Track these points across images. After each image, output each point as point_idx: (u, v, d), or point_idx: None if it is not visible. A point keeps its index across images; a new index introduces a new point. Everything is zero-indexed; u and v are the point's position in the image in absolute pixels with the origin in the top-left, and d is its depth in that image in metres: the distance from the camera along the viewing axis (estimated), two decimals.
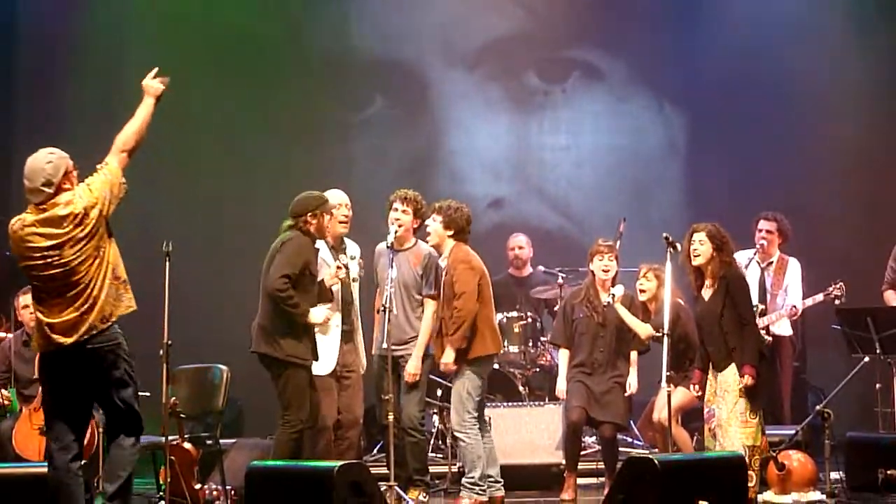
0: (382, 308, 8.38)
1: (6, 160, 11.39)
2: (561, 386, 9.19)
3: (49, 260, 6.60)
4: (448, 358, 8.33)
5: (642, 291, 9.16)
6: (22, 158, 9.83)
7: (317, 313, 8.15)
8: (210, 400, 8.97)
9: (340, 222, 8.54)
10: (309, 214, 8.07)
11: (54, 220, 6.59)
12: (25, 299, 8.78)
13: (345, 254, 8.53)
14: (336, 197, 8.51)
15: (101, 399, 6.82)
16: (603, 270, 9.12)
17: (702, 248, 8.19)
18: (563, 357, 9.23)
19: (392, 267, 8.45)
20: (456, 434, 8.43)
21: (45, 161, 6.63)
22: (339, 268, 8.26)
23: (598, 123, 12.54)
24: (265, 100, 11.98)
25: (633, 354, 9.06)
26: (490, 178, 12.36)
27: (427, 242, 8.65)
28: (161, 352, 7.90)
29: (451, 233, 8.46)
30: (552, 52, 12.51)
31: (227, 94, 11.85)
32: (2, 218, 9.41)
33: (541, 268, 10.85)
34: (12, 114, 11.78)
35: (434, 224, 8.51)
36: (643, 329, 8.96)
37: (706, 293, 8.25)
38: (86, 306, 6.65)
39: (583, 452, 9.54)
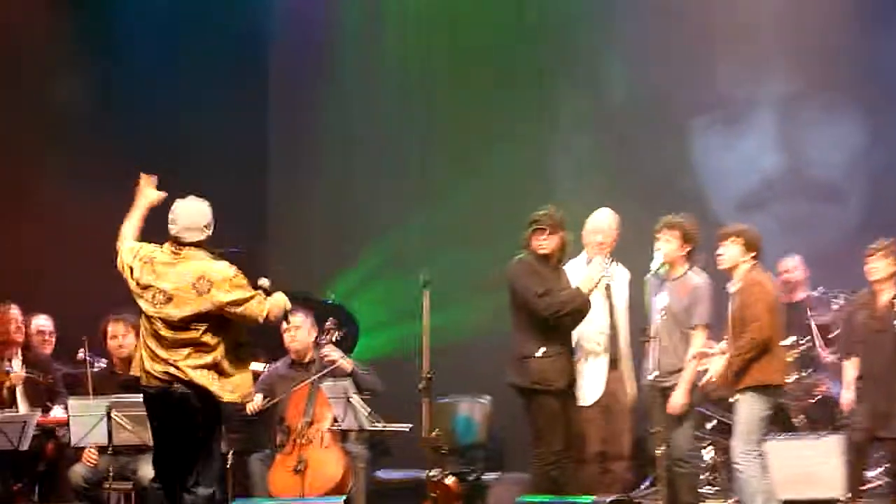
0: (650, 337, 8.36)
1: (262, 166, 11.85)
2: (844, 398, 9.01)
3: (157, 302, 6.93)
4: (714, 369, 8.21)
5: None
6: (279, 166, 10.93)
7: (587, 277, 8.15)
8: (471, 433, 9.14)
9: (595, 245, 8.60)
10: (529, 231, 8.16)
11: (184, 271, 6.91)
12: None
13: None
14: (592, 222, 8.54)
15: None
16: (871, 271, 8.85)
17: None
18: (846, 368, 9.04)
19: (658, 295, 8.42)
20: (736, 465, 8.22)
21: (206, 206, 7.01)
22: (605, 258, 8.32)
23: None
24: (514, 108, 11.60)
25: None
26: (740, 209, 11.21)
27: (721, 266, 8.46)
28: (421, 385, 8.03)
29: (751, 255, 8.28)
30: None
31: (475, 102, 11.62)
32: (241, 251, 9.65)
33: (820, 289, 10.44)
34: (267, 120, 12.04)
35: (731, 248, 8.32)
36: None
37: None
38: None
39: (869, 486, 9.29)
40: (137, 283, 6.94)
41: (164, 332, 6.85)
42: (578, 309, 8.13)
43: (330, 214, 11.72)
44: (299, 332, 9.16)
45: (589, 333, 8.47)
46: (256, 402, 8.76)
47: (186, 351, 6.83)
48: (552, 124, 11.54)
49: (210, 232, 6.94)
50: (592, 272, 8.23)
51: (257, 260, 10.40)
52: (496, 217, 10.90)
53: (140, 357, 6.98)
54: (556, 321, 8.05)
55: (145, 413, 7.15)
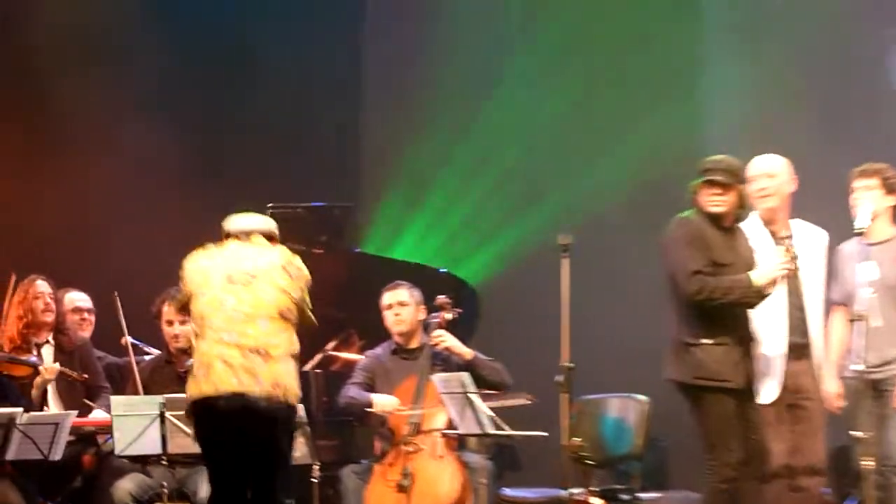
0: (857, 317, 7.43)
1: (354, 105, 11.44)
2: None
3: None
4: None
5: None
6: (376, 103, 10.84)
7: (764, 269, 7.31)
8: (624, 440, 8.47)
9: (757, 197, 7.73)
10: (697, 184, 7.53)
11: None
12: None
13: (785, 238, 7.70)
14: (751, 167, 7.77)
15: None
16: None
17: None
18: None
19: (863, 264, 7.60)
20: None
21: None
22: (787, 250, 7.42)
23: None
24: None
25: None
26: None
27: None
28: (559, 378, 7.51)
29: None
30: None
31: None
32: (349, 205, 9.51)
33: None
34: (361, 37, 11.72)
35: None
36: None
37: None
38: None
39: None
40: (199, 276, 6.64)
41: (247, 311, 6.51)
42: (740, 303, 7.35)
43: (439, 164, 11.12)
44: (405, 310, 8.60)
45: (768, 313, 7.57)
46: (391, 404, 8.32)
47: (278, 345, 6.52)
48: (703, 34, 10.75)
49: (276, 230, 6.84)
50: (771, 266, 7.42)
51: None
52: (650, 163, 10.18)
53: (203, 371, 6.53)
54: (711, 308, 7.29)
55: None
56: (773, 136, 8.88)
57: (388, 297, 8.58)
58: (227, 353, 6.46)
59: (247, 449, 6.54)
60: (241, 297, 6.55)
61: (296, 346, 6.60)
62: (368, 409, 8.23)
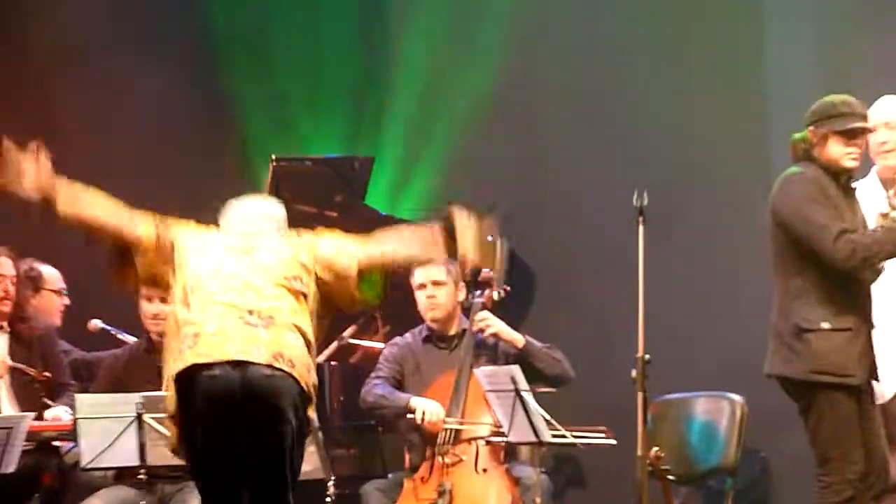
0: None
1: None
2: None
3: None
4: None
5: None
6: None
7: None
8: (714, 450, 7.60)
9: (877, 153, 7.22)
10: (810, 129, 6.79)
11: None
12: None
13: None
14: (875, 111, 7.13)
15: None
16: None
17: None
18: None
19: None
20: None
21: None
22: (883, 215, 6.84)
23: None
24: None
25: None
26: None
27: None
28: (633, 373, 6.81)
29: None
30: None
31: None
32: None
33: None
34: None
35: None
36: None
37: None
38: None
39: None
40: (183, 248, 6.00)
41: (245, 275, 5.88)
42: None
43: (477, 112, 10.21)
44: (441, 290, 7.82)
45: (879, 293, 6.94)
46: (436, 412, 7.55)
47: (282, 310, 5.81)
48: None
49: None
50: None
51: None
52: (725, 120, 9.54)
53: (189, 342, 5.77)
54: (852, 274, 6.61)
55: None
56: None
57: (420, 275, 7.74)
58: (220, 315, 5.78)
59: (246, 436, 5.75)
60: (239, 262, 5.94)
61: (308, 325, 5.79)
62: (409, 416, 7.49)
